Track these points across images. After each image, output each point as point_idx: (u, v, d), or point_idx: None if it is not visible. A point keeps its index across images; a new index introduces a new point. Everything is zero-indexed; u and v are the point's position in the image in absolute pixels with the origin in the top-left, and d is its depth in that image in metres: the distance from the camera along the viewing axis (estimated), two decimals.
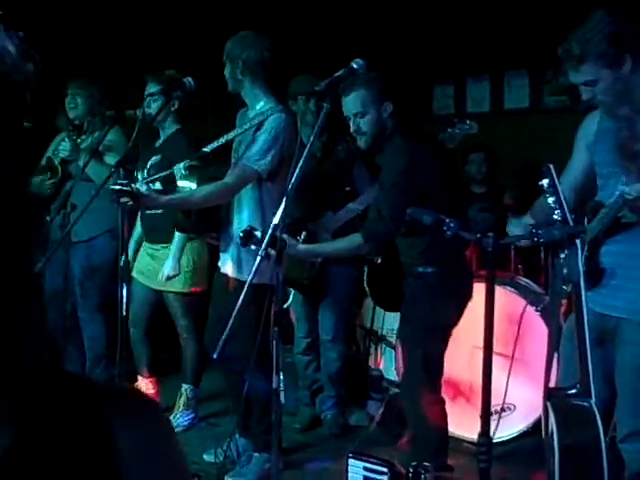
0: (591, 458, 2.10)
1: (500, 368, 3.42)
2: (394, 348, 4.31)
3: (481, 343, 2.19)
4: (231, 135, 3.59)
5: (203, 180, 3.50)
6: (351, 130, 3.21)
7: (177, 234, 3.99)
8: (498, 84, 6.32)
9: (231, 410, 4.02)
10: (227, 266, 3.64)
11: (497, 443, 3.78)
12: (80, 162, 4.37)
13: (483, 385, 2.29)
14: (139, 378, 4.53)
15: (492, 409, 3.83)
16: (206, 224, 3.65)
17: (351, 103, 3.17)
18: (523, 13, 5.45)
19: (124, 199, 3.18)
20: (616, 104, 2.43)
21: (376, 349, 4.71)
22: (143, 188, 3.30)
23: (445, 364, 3.37)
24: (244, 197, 3.57)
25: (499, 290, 3.97)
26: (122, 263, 3.44)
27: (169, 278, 4.08)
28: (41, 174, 4.48)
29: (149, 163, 4.15)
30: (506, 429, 3.83)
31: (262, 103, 3.57)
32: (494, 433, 3.50)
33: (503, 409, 3.96)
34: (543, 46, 2.84)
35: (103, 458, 0.68)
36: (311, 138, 2.79)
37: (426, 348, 3.28)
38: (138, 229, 4.40)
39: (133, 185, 3.28)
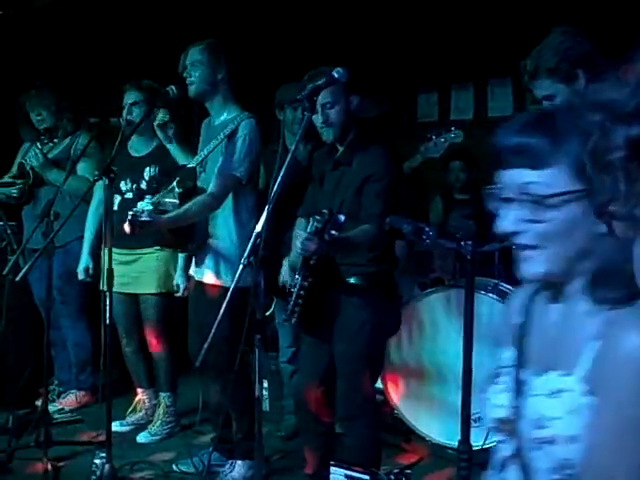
0: None
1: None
2: None
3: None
4: (212, 146, 3.60)
5: (183, 195, 3.53)
6: (320, 122, 3.17)
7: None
8: (482, 92, 6.36)
9: (210, 420, 4.02)
10: (206, 274, 3.65)
11: (480, 450, 3.83)
12: (50, 176, 4.41)
13: (463, 393, 2.31)
14: (138, 391, 4.53)
15: (476, 416, 3.93)
16: (187, 235, 3.66)
17: (320, 95, 3.13)
18: (507, 21, 5.48)
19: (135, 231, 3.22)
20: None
21: None
22: (149, 207, 3.33)
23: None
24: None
25: (482, 298, 4.04)
26: (106, 271, 3.44)
27: (182, 291, 4.18)
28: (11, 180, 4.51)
29: (146, 175, 4.16)
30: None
31: (230, 111, 3.64)
32: (485, 439, 3.57)
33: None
34: (527, 54, 2.88)
35: None
36: (292, 146, 2.81)
37: (375, 361, 3.30)
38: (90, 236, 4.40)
39: (139, 205, 3.33)
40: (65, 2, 5.26)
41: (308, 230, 2.93)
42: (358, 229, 3.06)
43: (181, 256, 4.13)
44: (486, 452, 3.69)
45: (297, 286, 3.07)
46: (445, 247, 2.33)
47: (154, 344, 4.33)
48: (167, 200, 3.53)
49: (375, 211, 3.05)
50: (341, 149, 3.26)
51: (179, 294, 4.20)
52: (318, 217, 2.87)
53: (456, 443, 2.63)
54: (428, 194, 5.69)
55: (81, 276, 4.35)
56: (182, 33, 4.93)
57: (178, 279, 4.20)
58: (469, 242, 2.18)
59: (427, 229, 2.27)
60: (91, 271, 4.32)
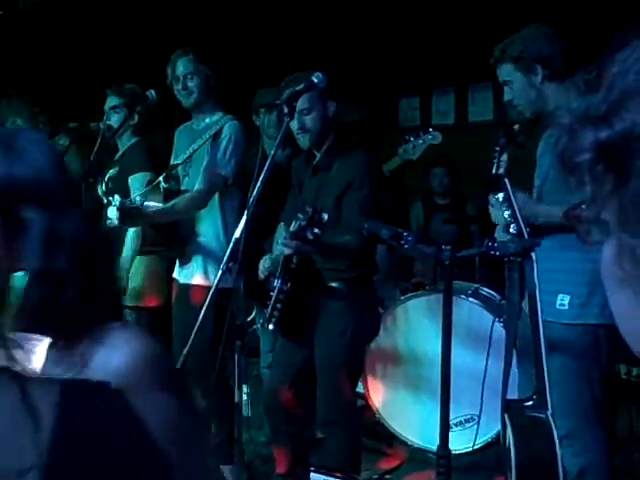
0: (547, 469, 2.12)
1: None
2: None
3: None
4: (197, 145, 3.61)
5: (170, 197, 3.53)
6: (296, 128, 3.14)
7: (128, 246, 3.89)
8: (463, 97, 6.39)
9: None
10: (193, 276, 3.63)
11: (462, 454, 3.84)
12: None
13: (441, 397, 2.31)
14: None
15: (456, 420, 3.94)
16: (171, 234, 3.65)
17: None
18: (488, 26, 5.50)
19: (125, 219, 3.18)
20: (528, 110, 2.76)
21: None
22: (114, 212, 3.31)
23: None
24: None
25: (462, 302, 4.05)
26: None
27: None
28: None
29: (107, 176, 4.12)
30: (469, 441, 3.84)
31: (213, 115, 3.67)
32: (474, 442, 3.58)
33: (467, 420, 4.00)
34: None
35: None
36: (272, 151, 2.81)
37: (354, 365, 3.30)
38: None
39: (109, 213, 3.30)
40: (48, 5, 5.23)
41: (291, 229, 2.91)
42: (341, 239, 3.05)
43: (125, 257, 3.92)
44: (468, 455, 3.78)
45: (276, 290, 3.06)
46: (424, 253, 2.32)
47: None
48: (150, 203, 3.52)
49: (357, 223, 2.99)
50: (319, 155, 3.25)
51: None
52: (301, 215, 2.85)
53: (433, 447, 2.64)
54: (408, 199, 5.71)
55: None
56: (163, 37, 4.93)
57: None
58: (447, 247, 2.18)
59: (406, 234, 2.27)
60: None
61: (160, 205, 3.52)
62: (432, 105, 6.53)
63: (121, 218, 3.16)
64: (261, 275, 3.32)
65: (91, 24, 5.35)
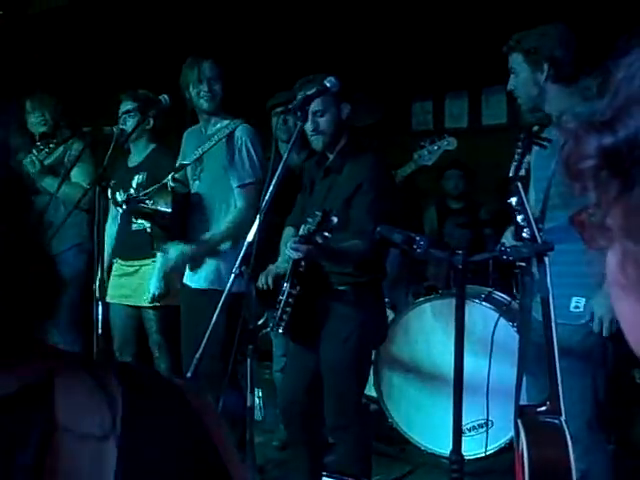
0: (561, 475, 2.11)
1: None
2: (372, 364, 4.32)
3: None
4: (206, 147, 3.62)
5: (178, 198, 3.53)
6: (310, 129, 3.14)
7: (159, 254, 3.92)
8: (476, 100, 6.37)
9: None
10: (206, 281, 3.63)
11: (475, 459, 3.83)
12: (45, 184, 4.39)
13: (454, 402, 2.30)
14: None
15: (469, 425, 3.93)
16: (183, 239, 3.65)
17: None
18: (501, 30, 5.49)
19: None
20: (526, 104, 2.81)
21: None
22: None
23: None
24: (217, 208, 3.61)
25: (475, 306, 4.04)
26: (97, 281, 3.43)
27: (158, 297, 4.01)
28: None
29: (134, 183, 4.14)
30: (483, 446, 3.82)
31: (224, 119, 3.67)
32: (485, 448, 3.57)
33: (481, 425, 3.98)
34: None
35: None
36: (285, 155, 2.81)
37: (361, 370, 3.28)
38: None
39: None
40: (60, 11, 5.27)
41: (300, 233, 2.90)
42: (349, 243, 3.03)
43: (159, 263, 3.94)
44: (481, 460, 3.76)
45: (285, 294, 3.05)
46: (436, 257, 2.32)
47: (156, 357, 4.29)
48: (158, 207, 3.53)
49: (365, 227, 3.00)
50: (331, 157, 3.25)
51: (147, 302, 4.02)
52: (310, 219, 2.84)
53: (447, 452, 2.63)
54: (422, 203, 5.69)
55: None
56: (176, 43, 4.95)
57: (155, 288, 3.97)
58: (459, 252, 2.17)
59: (418, 238, 2.26)
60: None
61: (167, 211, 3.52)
62: (445, 109, 6.51)
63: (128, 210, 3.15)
64: (260, 286, 3.31)
65: (105, 29, 5.39)
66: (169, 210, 3.56)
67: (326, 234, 2.77)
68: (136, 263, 4.13)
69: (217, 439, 0.76)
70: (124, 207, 3.99)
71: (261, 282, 3.34)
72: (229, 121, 3.65)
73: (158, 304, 4.05)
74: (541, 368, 2.33)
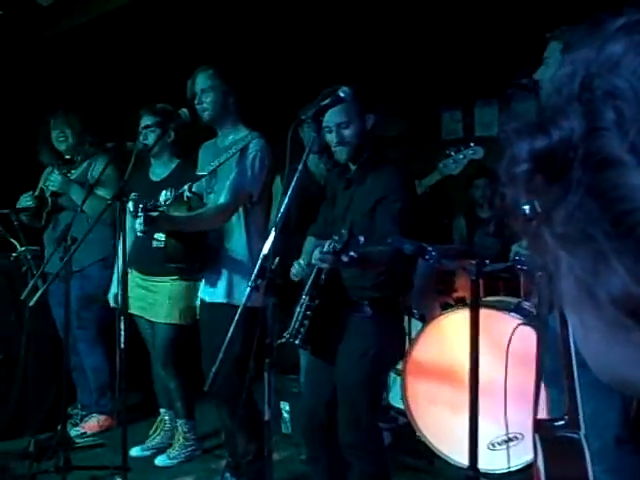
0: None
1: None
2: (400, 375, 4.26)
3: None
4: (222, 159, 3.62)
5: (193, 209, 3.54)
6: (334, 141, 3.11)
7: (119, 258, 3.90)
8: (506, 107, 6.29)
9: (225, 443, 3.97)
10: (217, 295, 3.62)
11: (505, 473, 3.74)
12: (73, 194, 4.42)
13: (470, 416, 2.24)
14: (161, 411, 4.51)
15: (500, 439, 3.84)
16: (196, 253, 3.64)
17: (335, 114, 3.06)
18: (530, 37, 5.42)
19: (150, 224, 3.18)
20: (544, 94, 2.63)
21: None
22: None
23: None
24: (231, 223, 3.60)
25: (506, 318, 3.96)
26: (120, 295, 3.45)
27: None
28: (33, 203, 4.56)
29: (161, 199, 4.15)
30: (514, 459, 3.74)
31: (238, 132, 3.68)
32: (508, 463, 3.49)
33: (510, 439, 3.89)
34: None
35: None
36: (300, 166, 2.79)
37: (376, 387, 3.23)
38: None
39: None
40: (81, 29, 5.34)
41: (325, 249, 2.86)
42: (376, 249, 2.98)
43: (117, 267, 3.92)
44: (511, 475, 3.68)
45: (303, 306, 3.02)
46: (449, 267, 2.27)
47: (166, 373, 4.30)
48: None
49: (391, 234, 2.91)
50: (354, 168, 3.21)
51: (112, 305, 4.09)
52: (336, 237, 2.81)
53: (480, 466, 2.58)
54: (452, 212, 5.63)
55: (112, 302, 4.29)
56: (196, 57, 4.97)
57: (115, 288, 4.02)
58: (473, 262, 2.12)
59: (430, 249, 2.22)
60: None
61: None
62: (475, 117, 6.44)
63: (145, 221, 3.15)
64: (294, 278, 3.27)
65: (127, 45, 5.44)
66: None
67: (352, 254, 2.73)
68: (153, 279, 4.16)
69: None
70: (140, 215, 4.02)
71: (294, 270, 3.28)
72: (245, 134, 3.63)
73: (175, 322, 4.07)
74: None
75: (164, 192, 4.15)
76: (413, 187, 3.46)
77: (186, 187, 3.58)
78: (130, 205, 3.30)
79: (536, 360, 2.25)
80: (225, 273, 3.60)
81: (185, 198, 3.56)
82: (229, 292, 3.58)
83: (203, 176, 3.68)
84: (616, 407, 2.50)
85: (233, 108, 3.67)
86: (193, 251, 3.60)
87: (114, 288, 4.20)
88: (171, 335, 4.19)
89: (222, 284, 3.60)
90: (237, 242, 3.60)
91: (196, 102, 3.59)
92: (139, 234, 3.23)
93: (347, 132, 3.11)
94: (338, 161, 3.29)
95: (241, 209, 3.59)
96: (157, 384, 4.45)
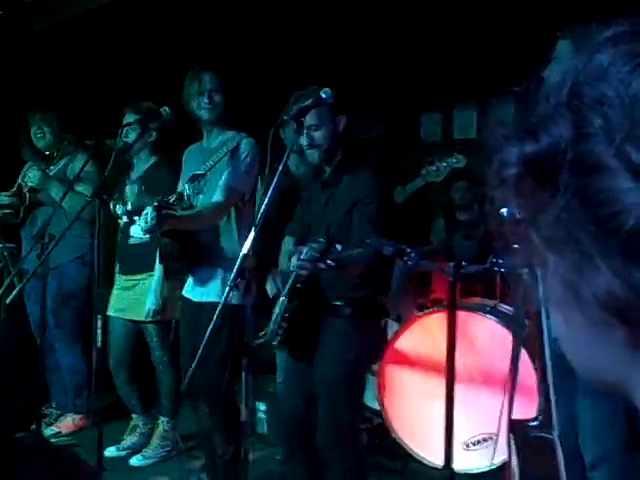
0: None
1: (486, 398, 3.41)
2: (375, 375, 4.27)
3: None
4: (215, 159, 3.61)
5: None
6: (304, 144, 3.10)
7: (157, 267, 3.91)
8: (485, 111, 6.33)
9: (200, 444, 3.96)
10: (209, 294, 3.60)
11: (479, 473, 3.78)
12: (51, 190, 4.40)
13: (446, 416, 2.26)
14: (133, 416, 4.48)
15: (474, 439, 3.88)
16: (190, 252, 3.63)
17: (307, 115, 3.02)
18: (509, 40, 5.47)
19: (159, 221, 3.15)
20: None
21: None
22: (138, 232, 3.33)
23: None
24: (222, 222, 3.60)
25: (482, 319, 3.99)
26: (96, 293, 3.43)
27: (154, 313, 4.01)
28: (9, 201, 4.53)
29: (129, 194, 4.14)
30: (488, 459, 3.76)
31: (227, 133, 3.67)
32: (492, 459, 3.51)
33: (485, 439, 3.93)
34: (529, 72, 2.90)
35: None
36: (280, 167, 2.80)
37: (355, 387, 3.22)
38: None
39: (132, 231, 3.31)
40: (64, 25, 5.31)
41: (303, 257, 2.86)
42: (355, 251, 2.99)
43: (156, 278, 3.98)
44: (485, 475, 3.71)
45: (282, 307, 3.03)
46: (427, 269, 2.29)
47: (159, 371, 4.29)
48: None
49: (368, 236, 2.92)
50: (328, 170, 3.21)
51: (149, 318, 4.05)
52: (314, 245, 2.81)
53: (455, 467, 2.59)
54: (430, 215, 5.66)
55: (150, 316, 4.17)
56: (178, 56, 4.97)
57: (150, 303, 4.00)
58: (450, 264, 2.14)
59: (408, 250, 2.24)
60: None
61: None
62: (454, 120, 6.48)
63: (159, 219, 3.11)
64: (269, 294, 3.30)
65: (110, 42, 5.42)
66: None
67: (329, 262, 2.74)
68: (135, 277, 4.14)
69: None
70: (124, 219, 4.01)
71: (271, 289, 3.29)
72: (233, 133, 3.63)
73: (159, 318, 4.06)
74: (566, 384, 2.25)
75: (130, 187, 4.13)
76: (388, 188, 3.48)
77: (186, 186, 3.56)
78: (118, 209, 3.27)
79: (510, 361, 2.27)
80: (220, 272, 3.56)
81: (185, 197, 3.54)
82: (220, 291, 3.56)
83: (200, 175, 3.65)
84: (619, 414, 2.50)
85: (226, 109, 3.68)
86: (187, 249, 3.59)
87: (149, 303, 4.05)
88: (162, 331, 4.18)
89: (215, 283, 3.58)
90: (229, 241, 3.59)
91: (205, 100, 3.57)
92: (143, 233, 3.21)
93: (317, 134, 3.10)
94: (310, 163, 3.29)
95: (232, 208, 3.58)
96: (121, 390, 4.38)
